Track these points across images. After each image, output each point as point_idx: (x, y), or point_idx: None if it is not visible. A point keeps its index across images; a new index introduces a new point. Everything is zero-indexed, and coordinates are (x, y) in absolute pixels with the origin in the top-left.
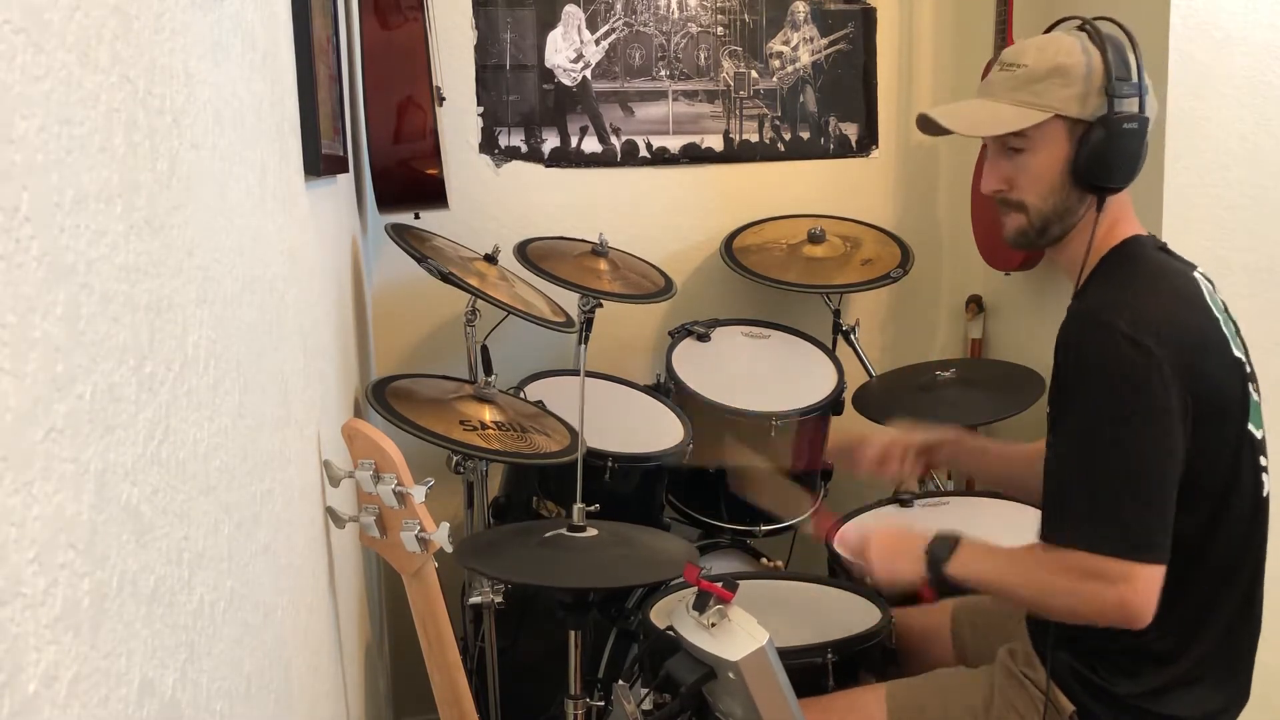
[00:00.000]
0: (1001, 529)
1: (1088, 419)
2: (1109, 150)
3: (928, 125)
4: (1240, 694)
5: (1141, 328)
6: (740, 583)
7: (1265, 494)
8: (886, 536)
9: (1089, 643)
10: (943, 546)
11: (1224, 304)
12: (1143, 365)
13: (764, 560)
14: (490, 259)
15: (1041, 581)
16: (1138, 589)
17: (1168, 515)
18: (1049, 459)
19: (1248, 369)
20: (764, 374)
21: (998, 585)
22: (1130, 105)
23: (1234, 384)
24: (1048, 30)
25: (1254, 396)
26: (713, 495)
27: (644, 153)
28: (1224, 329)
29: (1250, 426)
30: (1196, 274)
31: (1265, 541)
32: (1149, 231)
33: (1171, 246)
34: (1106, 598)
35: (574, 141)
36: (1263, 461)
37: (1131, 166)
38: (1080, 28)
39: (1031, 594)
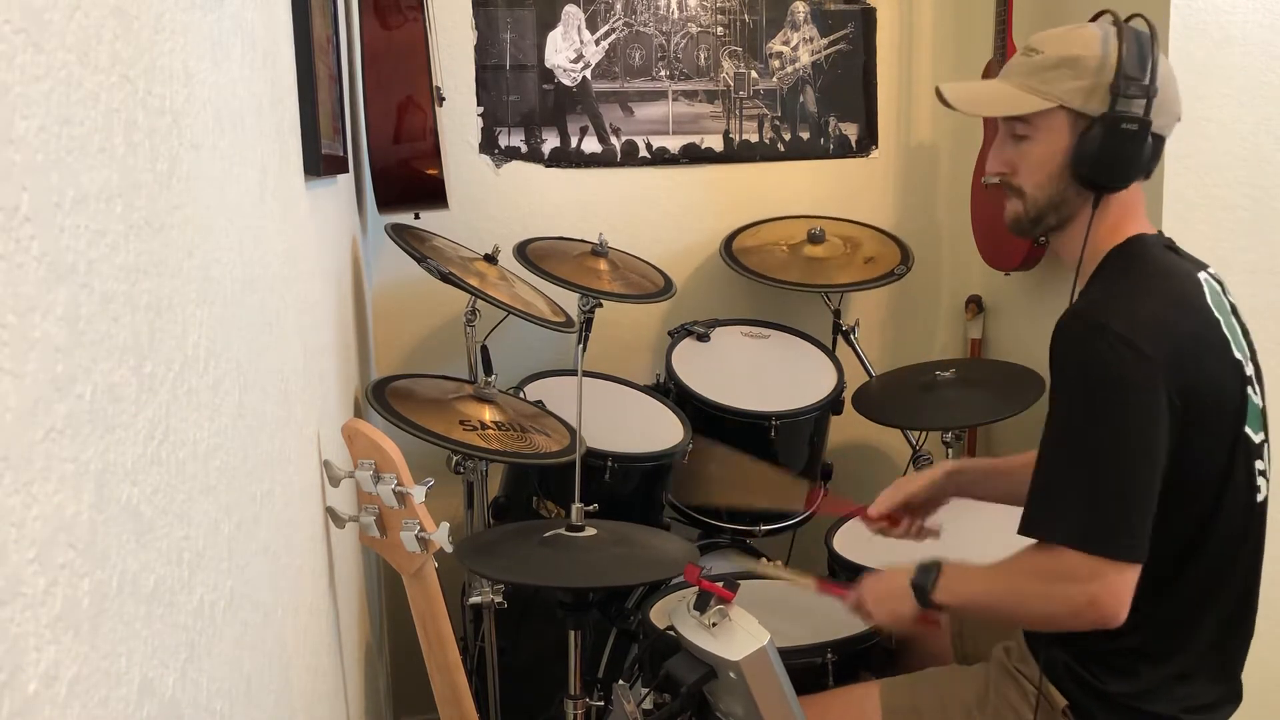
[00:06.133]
0: (992, 530)
1: (1071, 416)
2: (1103, 149)
3: (942, 98)
4: (1233, 693)
5: (1136, 329)
6: (740, 583)
7: (1261, 498)
8: (875, 583)
9: (1082, 641)
10: (925, 577)
11: (1232, 305)
12: (1133, 366)
13: (764, 560)
14: (490, 259)
15: (1016, 590)
16: (1109, 587)
17: (1146, 516)
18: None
19: (1248, 371)
20: (764, 374)
21: (982, 604)
22: (1136, 106)
23: (1232, 386)
24: (1092, 20)
25: (1255, 400)
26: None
27: (644, 153)
28: (1224, 330)
29: (1247, 429)
30: (1205, 274)
31: (1262, 545)
32: (1158, 230)
33: None
34: (1076, 597)
35: (574, 141)
36: (1259, 465)
37: (1127, 168)
38: (1113, 23)
39: (1011, 605)
